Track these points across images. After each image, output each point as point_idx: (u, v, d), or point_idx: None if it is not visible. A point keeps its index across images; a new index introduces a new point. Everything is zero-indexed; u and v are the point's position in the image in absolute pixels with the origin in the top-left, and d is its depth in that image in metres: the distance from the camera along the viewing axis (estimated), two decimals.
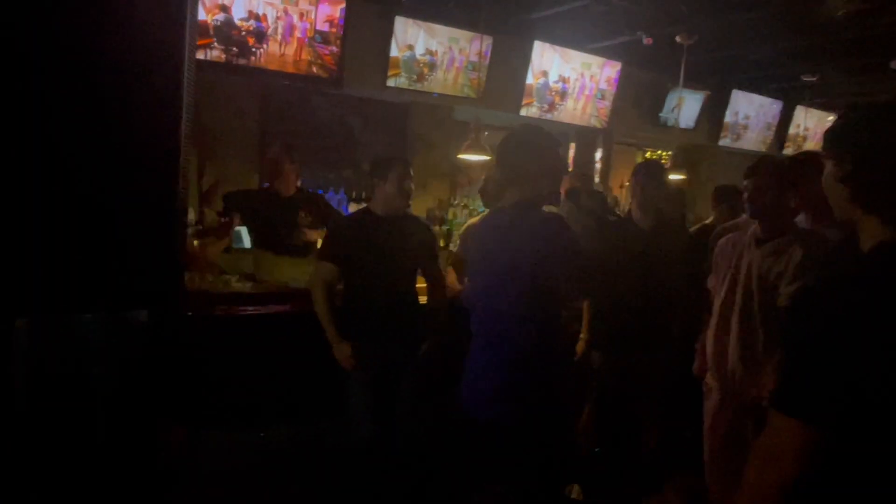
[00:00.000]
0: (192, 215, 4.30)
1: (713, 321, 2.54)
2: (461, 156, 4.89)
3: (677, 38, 5.18)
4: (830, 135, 1.21)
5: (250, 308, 3.12)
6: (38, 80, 0.72)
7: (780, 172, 2.35)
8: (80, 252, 0.76)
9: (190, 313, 2.82)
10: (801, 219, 2.56)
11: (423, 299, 3.06)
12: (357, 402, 2.84)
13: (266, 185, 4.07)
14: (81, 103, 0.74)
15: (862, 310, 1.02)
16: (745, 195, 2.43)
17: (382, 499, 2.85)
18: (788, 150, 8.29)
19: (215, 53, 4.20)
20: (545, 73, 5.84)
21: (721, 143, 7.68)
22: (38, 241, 0.74)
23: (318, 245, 3.28)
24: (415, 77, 5.09)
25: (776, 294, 2.26)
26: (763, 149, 8.09)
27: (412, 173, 2.89)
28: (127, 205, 0.77)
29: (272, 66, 4.41)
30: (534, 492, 2.19)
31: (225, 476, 2.94)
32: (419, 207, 5.35)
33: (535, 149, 2.16)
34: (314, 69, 4.58)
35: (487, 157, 4.59)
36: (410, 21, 4.92)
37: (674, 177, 5.37)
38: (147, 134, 0.77)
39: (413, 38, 4.98)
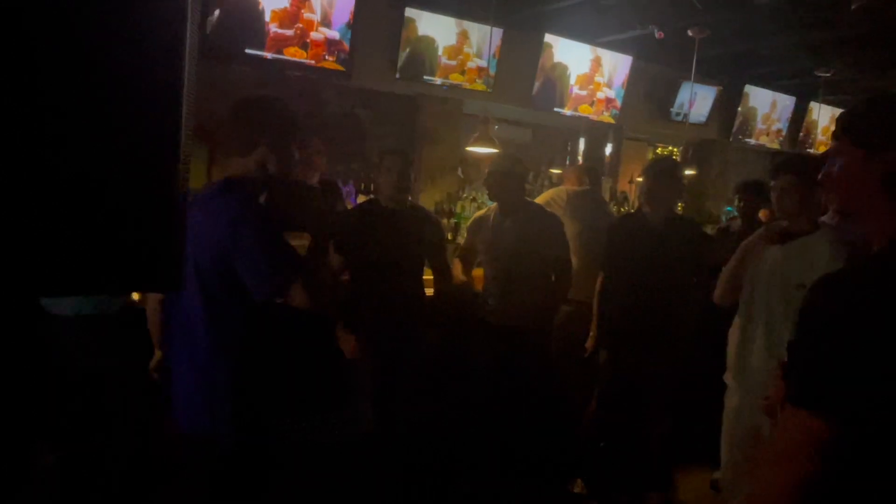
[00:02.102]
0: None
1: (736, 321, 2.52)
2: (469, 148, 4.88)
3: (689, 32, 5.13)
4: (868, 122, 1.17)
5: None
6: (38, 65, 0.72)
7: (806, 170, 2.33)
8: (81, 236, 0.76)
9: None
10: (828, 216, 2.54)
11: (430, 291, 3.07)
12: (360, 393, 2.85)
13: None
14: (80, 90, 0.74)
15: (883, 300, 0.99)
16: (773, 195, 2.43)
17: (382, 490, 2.86)
18: (804, 147, 8.20)
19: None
20: (556, 67, 5.81)
21: (733, 138, 7.60)
22: (38, 224, 0.75)
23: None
24: (425, 69, 5.08)
25: (801, 293, 2.24)
26: (776, 145, 8.00)
27: (411, 164, 2.91)
28: (127, 187, 0.78)
29: (284, 56, 4.42)
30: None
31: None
32: (428, 200, 5.33)
33: None
34: (326, 60, 4.59)
35: (496, 150, 4.57)
36: (421, 12, 4.90)
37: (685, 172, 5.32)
38: (147, 117, 0.77)
39: (423, 29, 4.96)
